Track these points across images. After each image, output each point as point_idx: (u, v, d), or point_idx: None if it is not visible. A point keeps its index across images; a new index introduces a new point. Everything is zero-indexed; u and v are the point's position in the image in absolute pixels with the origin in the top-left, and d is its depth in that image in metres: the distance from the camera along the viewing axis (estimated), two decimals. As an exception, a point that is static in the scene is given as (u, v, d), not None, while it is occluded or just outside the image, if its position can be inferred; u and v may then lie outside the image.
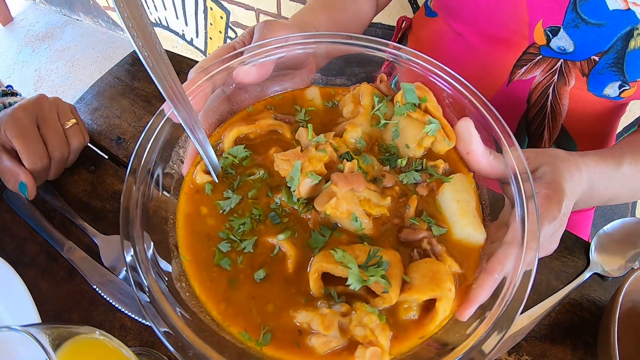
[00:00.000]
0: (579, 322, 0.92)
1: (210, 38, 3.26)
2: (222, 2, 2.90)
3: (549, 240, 0.74)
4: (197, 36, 3.36)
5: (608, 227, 1.06)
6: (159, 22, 3.55)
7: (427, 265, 0.62)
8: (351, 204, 0.64)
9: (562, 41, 1.03)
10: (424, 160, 0.73)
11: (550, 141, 1.25)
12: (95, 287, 0.90)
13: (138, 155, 0.68)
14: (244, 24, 2.94)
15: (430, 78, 0.77)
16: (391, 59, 0.80)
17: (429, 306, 0.62)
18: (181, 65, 1.27)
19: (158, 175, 0.71)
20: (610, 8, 0.94)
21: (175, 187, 0.74)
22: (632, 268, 0.99)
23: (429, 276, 0.60)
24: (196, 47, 3.48)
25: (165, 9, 3.29)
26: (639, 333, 0.92)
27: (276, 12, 2.69)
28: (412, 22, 1.45)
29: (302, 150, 0.69)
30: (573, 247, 1.01)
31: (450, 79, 0.75)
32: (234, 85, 0.79)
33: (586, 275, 0.97)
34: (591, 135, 1.23)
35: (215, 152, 0.73)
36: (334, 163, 0.69)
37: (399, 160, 0.73)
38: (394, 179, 0.71)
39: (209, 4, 2.98)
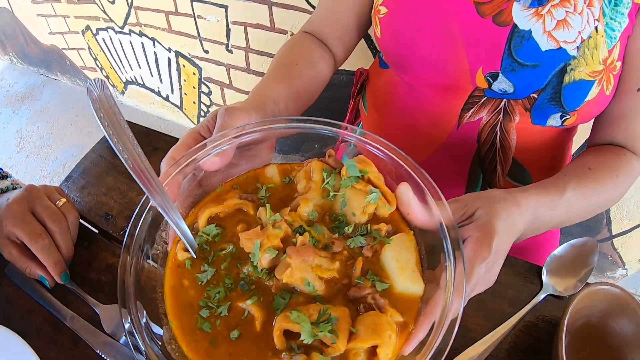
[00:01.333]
0: (535, 342, 0.98)
1: (185, 94, 3.38)
2: (193, 59, 3.04)
3: (485, 277, 0.81)
4: (172, 92, 3.47)
5: (557, 250, 1.11)
6: (134, 81, 3.64)
7: (371, 317, 0.73)
8: (303, 271, 0.76)
9: (502, 84, 1.11)
10: (369, 224, 0.84)
11: (503, 174, 1.31)
12: (98, 351, 1.01)
13: (130, 234, 0.79)
14: (216, 79, 3.07)
15: (372, 151, 0.87)
16: (341, 138, 0.89)
17: (374, 352, 0.72)
18: (158, 141, 1.40)
19: (148, 251, 0.82)
20: (543, 49, 1.02)
21: (162, 262, 0.85)
22: (587, 283, 1.03)
23: (372, 327, 0.71)
24: (172, 103, 3.59)
25: (140, 67, 3.42)
26: (595, 344, 0.98)
27: (245, 67, 2.83)
28: (369, 73, 1.55)
29: (262, 228, 0.80)
30: (526, 274, 1.07)
31: (388, 151, 0.85)
32: (203, 172, 0.90)
33: (540, 297, 1.03)
34: (544, 162, 1.30)
35: (191, 230, 0.83)
36: (289, 237, 0.80)
37: (347, 227, 0.84)
38: (342, 244, 0.82)
39: (181, 61, 3.11)
